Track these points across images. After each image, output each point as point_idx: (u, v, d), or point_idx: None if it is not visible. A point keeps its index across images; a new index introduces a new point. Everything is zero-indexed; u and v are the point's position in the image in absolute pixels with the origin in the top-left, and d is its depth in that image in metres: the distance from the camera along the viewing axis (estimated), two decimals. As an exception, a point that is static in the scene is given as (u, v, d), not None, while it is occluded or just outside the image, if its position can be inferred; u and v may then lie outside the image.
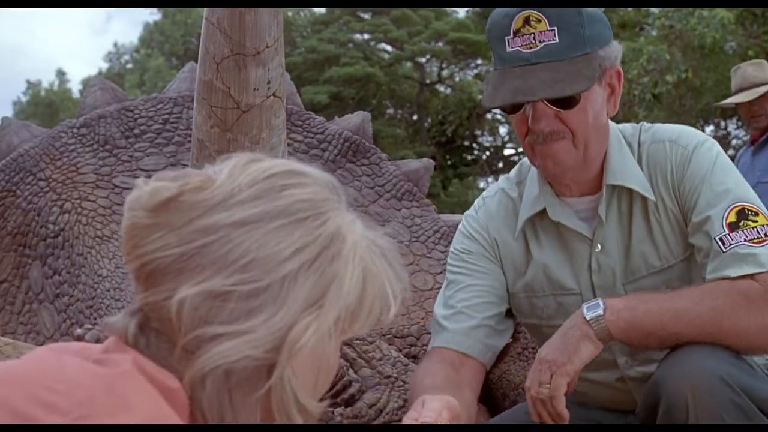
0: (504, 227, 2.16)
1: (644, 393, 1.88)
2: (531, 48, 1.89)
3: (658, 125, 2.11)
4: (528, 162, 2.11)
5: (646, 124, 2.12)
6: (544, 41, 1.88)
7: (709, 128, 18.56)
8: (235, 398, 1.08)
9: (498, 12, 1.94)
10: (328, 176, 1.18)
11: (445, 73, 26.63)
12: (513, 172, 2.25)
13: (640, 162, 2.05)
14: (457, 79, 26.67)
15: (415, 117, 26.46)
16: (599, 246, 2.05)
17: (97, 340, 1.85)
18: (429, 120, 25.78)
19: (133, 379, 1.03)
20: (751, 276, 1.85)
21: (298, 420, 1.12)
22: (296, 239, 1.09)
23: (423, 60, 26.02)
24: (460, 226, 2.23)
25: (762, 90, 5.02)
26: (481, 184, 23.75)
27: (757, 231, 1.89)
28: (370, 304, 1.16)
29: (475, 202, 2.26)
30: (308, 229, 1.10)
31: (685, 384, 1.74)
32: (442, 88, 26.61)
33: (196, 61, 2.19)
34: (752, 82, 5.07)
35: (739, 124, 18.76)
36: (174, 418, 1.02)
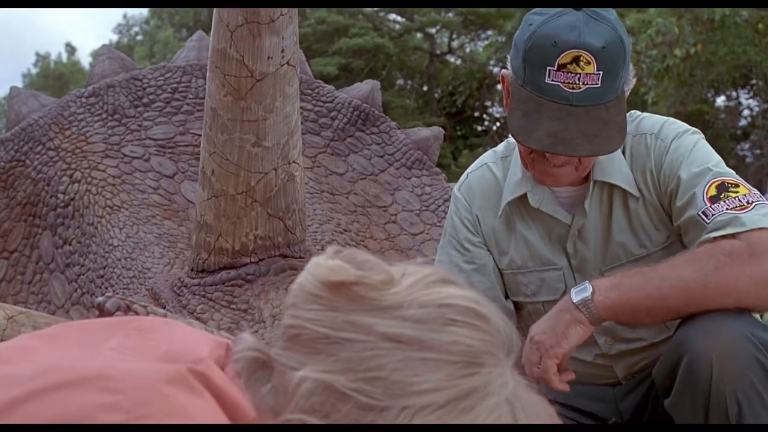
0: (485, 204, 2.17)
1: (666, 351, 1.88)
2: (573, 89, 1.83)
3: (644, 115, 2.11)
4: None
5: (633, 113, 2.12)
6: (588, 84, 1.83)
7: (721, 99, 18.45)
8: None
9: (545, 34, 1.84)
10: (509, 328, 1.11)
11: (455, 43, 26.48)
12: (501, 146, 2.24)
13: (624, 151, 2.05)
14: (467, 50, 26.53)
15: (425, 88, 26.36)
16: (576, 232, 2.07)
17: (118, 308, 1.85)
18: (439, 91, 25.70)
19: (186, 380, 1.02)
20: (733, 236, 1.84)
21: None
22: (435, 379, 1.03)
23: (433, 31, 25.87)
24: (451, 204, 2.24)
25: None
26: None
27: (739, 200, 1.88)
28: None
29: (461, 178, 2.26)
30: (453, 374, 1.04)
31: (710, 341, 1.73)
32: (452, 59, 26.49)
33: (206, 32, 2.18)
34: None
35: (752, 93, 18.63)
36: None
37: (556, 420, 1.14)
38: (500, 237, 2.15)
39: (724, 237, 1.84)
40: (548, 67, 1.83)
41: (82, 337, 1.13)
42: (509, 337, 1.10)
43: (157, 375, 1.02)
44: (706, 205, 1.90)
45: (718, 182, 1.93)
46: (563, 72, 1.83)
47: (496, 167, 2.19)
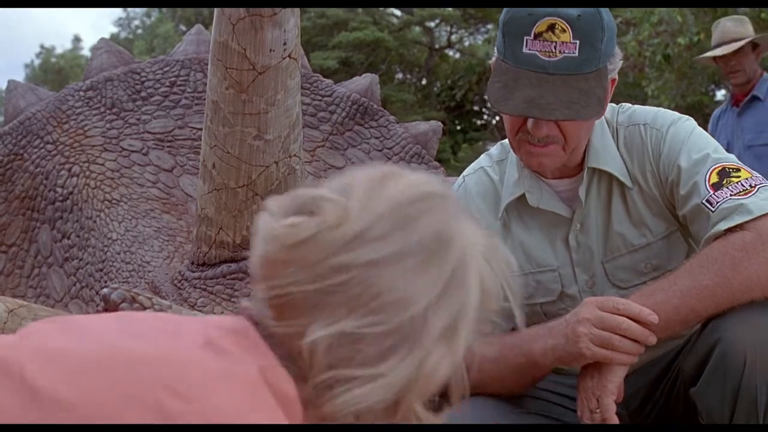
0: (483, 207, 2.16)
1: (696, 341, 1.87)
2: (550, 57, 1.86)
3: (636, 107, 2.12)
4: None
5: (624, 105, 2.12)
6: (564, 52, 1.85)
7: (721, 92, 18.42)
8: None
9: (522, 8, 1.89)
10: (445, 183, 1.18)
11: (454, 37, 26.48)
12: (495, 149, 2.24)
13: (616, 143, 2.05)
14: (466, 43, 26.52)
15: (424, 82, 26.36)
16: (578, 225, 2.06)
17: (123, 300, 1.84)
18: (438, 85, 25.69)
19: (258, 392, 1.03)
20: (741, 227, 1.82)
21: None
22: (426, 279, 1.09)
23: (432, 25, 25.87)
24: None
25: (738, 45, 4.95)
26: (491, 149, 23.70)
27: (741, 184, 1.88)
28: (489, 308, 1.17)
29: (457, 181, 2.26)
30: (437, 264, 1.10)
31: (746, 330, 1.73)
32: (451, 53, 26.48)
33: (207, 26, 2.17)
34: (730, 37, 5.01)
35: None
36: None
37: (512, 259, 1.24)
38: None
39: (732, 229, 1.83)
40: (525, 37, 1.87)
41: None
42: (451, 191, 1.17)
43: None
44: (709, 192, 1.89)
45: (719, 168, 1.92)
46: (540, 41, 1.86)
47: (492, 171, 2.18)
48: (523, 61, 1.88)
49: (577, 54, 1.85)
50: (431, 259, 1.10)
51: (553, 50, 1.85)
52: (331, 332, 1.06)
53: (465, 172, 2.25)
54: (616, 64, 1.97)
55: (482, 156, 2.28)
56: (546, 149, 1.94)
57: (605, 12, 1.90)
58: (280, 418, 1.02)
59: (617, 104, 2.12)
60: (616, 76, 2.02)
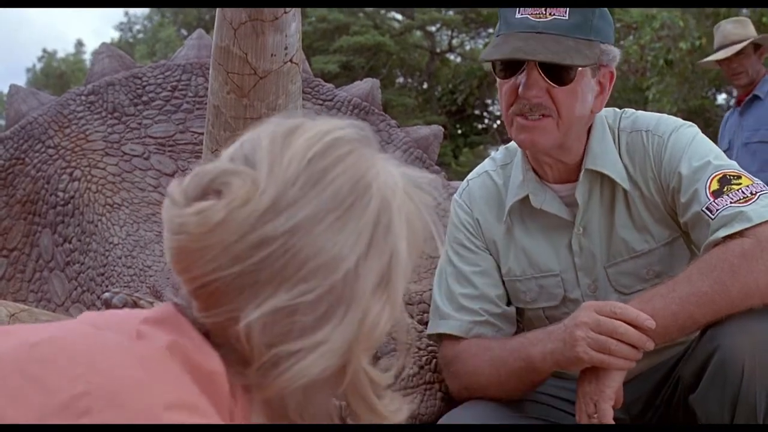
0: (487, 210, 2.17)
1: (695, 348, 1.87)
2: (540, 18, 1.90)
3: (639, 113, 2.12)
4: (515, 145, 2.11)
5: (627, 111, 2.14)
6: (554, 15, 1.90)
7: (722, 96, 18.42)
8: (314, 400, 1.06)
9: None
10: (357, 123, 1.12)
11: (455, 42, 26.48)
12: (499, 153, 2.25)
13: (619, 149, 2.05)
14: (467, 48, 26.54)
15: (425, 86, 26.36)
16: (581, 229, 2.06)
17: (125, 304, 1.84)
18: (439, 89, 25.70)
19: (159, 362, 0.97)
20: (741, 234, 1.83)
21: (375, 401, 1.09)
22: (350, 234, 1.04)
23: (433, 29, 25.87)
24: (451, 212, 2.24)
25: (739, 47, 4.97)
26: (492, 153, 23.71)
27: (742, 192, 1.88)
28: (420, 245, 1.12)
29: (460, 186, 2.26)
30: (358, 216, 1.05)
31: (744, 337, 1.73)
32: (452, 57, 26.49)
33: (209, 30, 2.17)
34: (732, 40, 5.03)
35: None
36: (201, 403, 0.96)
37: (439, 181, 1.18)
38: (500, 245, 2.14)
39: (732, 236, 1.83)
40: (518, 7, 1.94)
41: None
42: (363, 131, 1.11)
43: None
44: (709, 200, 1.89)
45: (720, 175, 1.92)
46: (531, 7, 1.92)
47: (497, 175, 2.19)
48: (514, 25, 1.93)
49: (567, 17, 1.90)
50: (351, 212, 1.04)
51: (544, 12, 1.91)
52: (263, 311, 1.00)
53: (469, 176, 2.26)
54: (611, 51, 2.00)
55: (486, 160, 2.28)
56: (538, 123, 1.94)
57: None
58: (187, 389, 0.96)
59: (620, 110, 2.13)
60: (614, 69, 2.03)
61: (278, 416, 1.07)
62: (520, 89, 1.93)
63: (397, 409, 1.13)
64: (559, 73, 1.91)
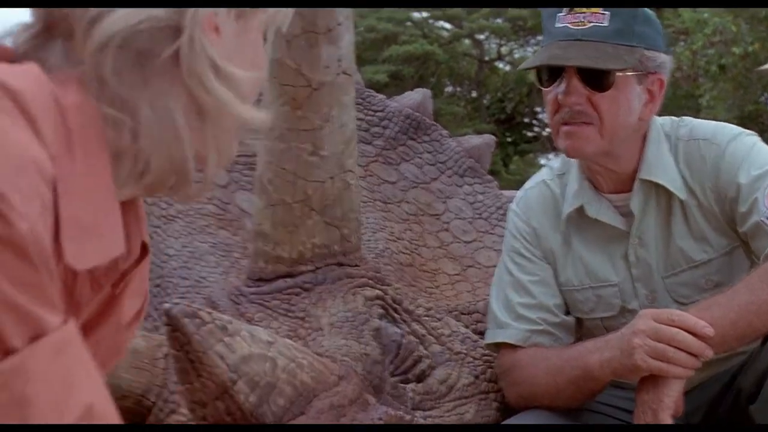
0: (544, 220, 2.16)
1: (756, 356, 1.87)
2: (579, 26, 1.91)
3: (696, 122, 2.10)
4: None
5: (685, 119, 2.11)
6: (593, 22, 1.90)
7: (777, 102, 18.16)
8: (142, 68, 0.99)
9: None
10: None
11: (504, 49, 26.41)
12: (556, 162, 2.25)
13: (676, 158, 2.03)
14: (516, 55, 26.43)
15: (474, 94, 26.34)
16: (637, 239, 2.05)
17: (185, 315, 1.87)
18: (488, 97, 25.66)
19: None
20: None
21: (215, 85, 1.02)
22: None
23: (482, 37, 25.84)
24: (508, 220, 2.24)
25: None
26: (542, 161, 23.61)
27: None
28: None
29: (518, 194, 2.26)
30: None
31: None
32: (501, 65, 26.43)
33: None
34: None
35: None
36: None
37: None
38: (557, 255, 2.14)
39: None
40: (558, 14, 1.95)
41: None
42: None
43: None
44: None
45: None
46: (571, 14, 1.93)
47: (554, 184, 2.18)
48: (555, 34, 1.95)
49: (606, 24, 1.90)
50: None
51: (583, 20, 1.91)
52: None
53: (526, 185, 2.26)
54: (659, 58, 1.98)
55: (544, 168, 2.28)
56: (581, 129, 1.94)
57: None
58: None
59: (677, 118, 2.11)
60: (664, 77, 2.01)
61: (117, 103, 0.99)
62: (560, 96, 1.93)
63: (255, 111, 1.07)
64: (598, 80, 1.91)
